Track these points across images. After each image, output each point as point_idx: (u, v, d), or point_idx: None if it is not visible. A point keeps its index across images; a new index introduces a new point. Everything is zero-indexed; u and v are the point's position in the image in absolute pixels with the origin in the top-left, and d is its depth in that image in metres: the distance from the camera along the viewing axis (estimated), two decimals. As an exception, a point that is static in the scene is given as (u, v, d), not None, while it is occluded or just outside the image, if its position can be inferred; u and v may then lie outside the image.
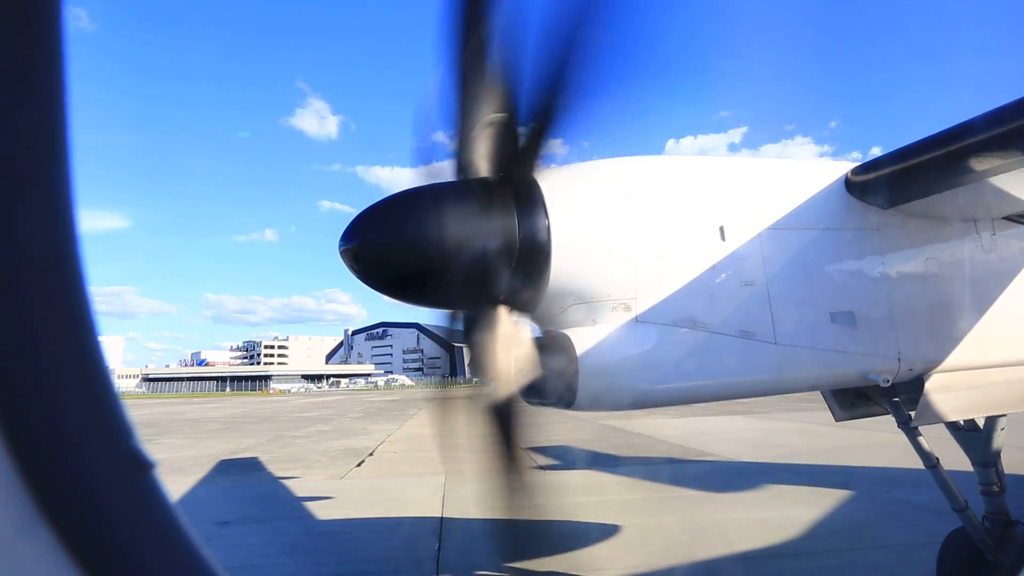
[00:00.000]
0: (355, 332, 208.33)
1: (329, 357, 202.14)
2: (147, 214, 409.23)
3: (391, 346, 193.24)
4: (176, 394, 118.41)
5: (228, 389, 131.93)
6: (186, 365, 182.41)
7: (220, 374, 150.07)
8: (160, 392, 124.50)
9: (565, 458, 14.56)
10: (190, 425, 30.74)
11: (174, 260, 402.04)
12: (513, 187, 2.86)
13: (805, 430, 18.52)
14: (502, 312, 2.82)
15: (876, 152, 3.54)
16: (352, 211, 2.91)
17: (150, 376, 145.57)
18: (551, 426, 20.26)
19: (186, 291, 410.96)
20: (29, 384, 0.83)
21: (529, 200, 2.86)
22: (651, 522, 8.57)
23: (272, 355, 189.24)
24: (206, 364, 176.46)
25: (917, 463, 4.24)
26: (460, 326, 3.16)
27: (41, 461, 0.83)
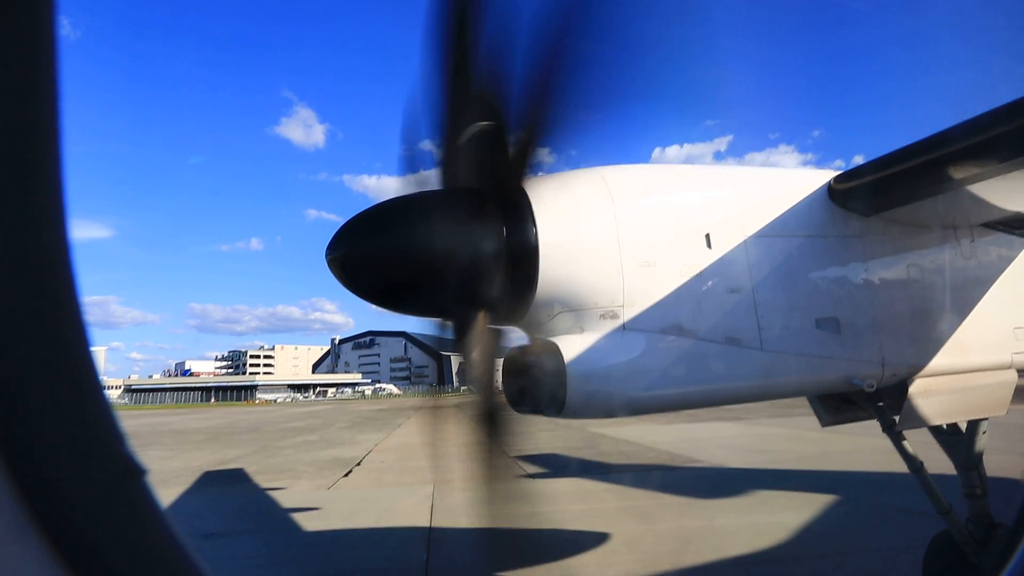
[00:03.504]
0: (342, 341, 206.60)
1: (316, 366, 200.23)
2: (130, 223, 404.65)
3: (378, 355, 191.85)
4: (160, 405, 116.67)
5: (213, 399, 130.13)
6: (170, 375, 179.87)
7: (205, 384, 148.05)
8: (143, 403, 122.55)
9: (554, 466, 14.53)
10: (174, 436, 30.30)
11: (157, 269, 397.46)
12: (500, 196, 2.88)
13: (792, 435, 18.64)
14: (490, 320, 2.83)
15: (859, 160, 3.60)
16: (339, 220, 2.91)
17: (133, 387, 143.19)
18: (540, 434, 20.24)
19: (170, 300, 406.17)
20: (20, 391, 0.83)
21: (517, 209, 2.87)
22: (640, 529, 8.57)
23: (258, 365, 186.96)
24: (190, 374, 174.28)
25: (902, 467, 4.29)
26: (448, 335, 3.16)
27: (32, 467, 0.83)
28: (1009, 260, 3.82)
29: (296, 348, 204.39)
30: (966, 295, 3.67)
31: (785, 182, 3.52)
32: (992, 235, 3.79)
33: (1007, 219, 3.68)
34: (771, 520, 8.61)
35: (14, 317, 0.82)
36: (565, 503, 10.22)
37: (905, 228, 3.58)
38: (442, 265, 2.70)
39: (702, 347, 3.05)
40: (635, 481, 12.58)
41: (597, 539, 7.89)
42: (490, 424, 2.76)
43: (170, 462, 18.57)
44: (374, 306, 2.96)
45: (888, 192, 3.32)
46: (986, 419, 4.13)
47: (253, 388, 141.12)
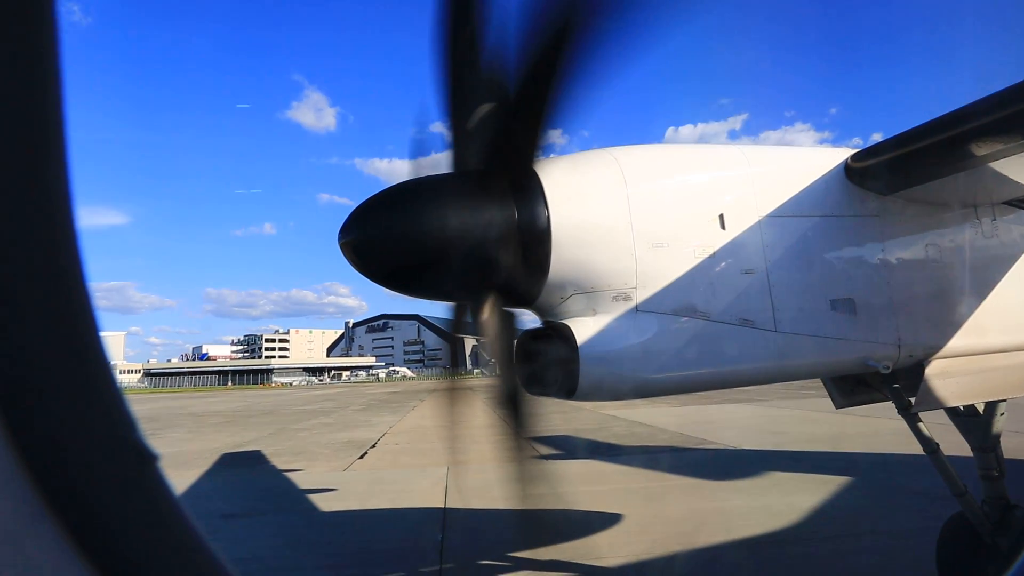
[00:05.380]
0: (356, 324, 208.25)
1: (330, 350, 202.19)
2: (146, 210, 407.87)
3: (392, 338, 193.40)
4: (178, 388, 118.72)
5: (230, 383, 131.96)
6: (187, 359, 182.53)
7: (222, 368, 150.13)
8: (162, 387, 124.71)
9: (567, 447, 14.62)
10: (193, 419, 30.85)
11: (173, 255, 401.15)
12: (512, 178, 2.86)
13: (806, 417, 18.60)
14: (503, 303, 2.83)
15: (877, 138, 3.53)
16: (351, 204, 2.91)
17: (152, 371, 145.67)
18: (552, 416, 20.33)
19: (186, 286, 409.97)
20: (32, 379, 0.84)
21: (528, 191, 2.85)
22: (653, 510, 8.61)
23: (273, 348, 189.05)
24: (207, 358, 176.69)
25: (917, 449, 4.26)
26: (461, 317, 3.16)
27: (45, 456, 0.84)
28: (1031, 239, 3.74)
29: (311, 332, 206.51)
30: (986, 275, 3.60)
31: (801, 161, 3.47)
32: (1014, 213, 3.72)
33: (1031, 197, 3.60)
34: (784, 502, 8.62)
35: (22, 305, 0.82)
36: (578, 484, 10.29)
37: (924, 207, 3.51)
38: (454, 248, 2.70)
39: (715, 329, 3.03)
40: (647, 463, 12.63)
41: (609, 520, 7.95)
42: (512, 406, 2.77)
43: (189, 444, 18.92)
44: (387, 290, 2.96)
45: (907, 170, 3.25)
46: (1004, 401, 4.08)
47: (269, 372, 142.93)
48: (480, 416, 3.14)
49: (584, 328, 2.91)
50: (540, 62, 2.50)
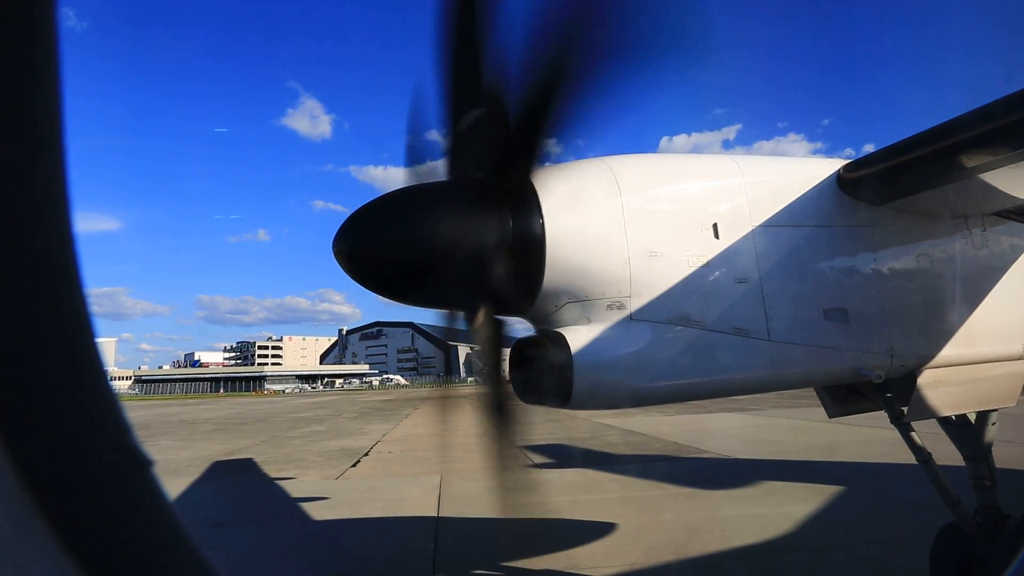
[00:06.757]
0: (349, 332, 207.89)
1: (324, 357, 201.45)
2: (139, 215, 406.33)
3: (386, 346, 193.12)
4: (170, 395, 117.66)
5: (222, 390, 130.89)
6: (179, 366, 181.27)
7: (214, 375, 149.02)
8: (153, 394, 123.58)
9: (560, 456, 14.58)
10: (184, 426, 30.60)
11: (166, 261, 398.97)
12: (507, 186, 2.87)
13: (799, 426, 18.62)
14: (497, 311, 2.83)
15: (869, 149, 3.56)
16: (345, 211, 2.91)
17: (143, 377, 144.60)
18: (546, 424, 20.29)
19: (179, 292, 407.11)
20: (26, 384, 0.83)
21: (523, 199, 2.86)
22: (647, 519, 8.59)
23: (266, 356, 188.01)
24: (200, 365, 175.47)
25: (910, 458, 4.27)
26: (455, 325, 3.16)
27: (39, 460, 0.83)
28: (1021, 249, 3.78)
29: (304, 339, 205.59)
30: (977, 285, 3.63)
31: (794, 171, 3.49)
32: (1004, 224, 3.75)
33: (1020, 208, 3.64)
34: (777, 511, 8.61)
35: (18, 310, 0.82)
36: (571, 493, 10.26)
37: (915, 217, 3.54)
38: (448, 256, 2.70)
39: (709, 338, 3.04)
40: (641, 472, 12.60)
41: (603, 529, 7.92)
42: (499, 414, 2.77)
43: (180, 452, 18.75)
44: (381, 297, 2.96)
45: (898, 181, 3.29)
46: (995, 410, 4.10)
47: (261, 379, 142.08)
48: (476, 425, 3.14)
49: (578, 336, 2.91)
50: (545, 75, 2.51)
